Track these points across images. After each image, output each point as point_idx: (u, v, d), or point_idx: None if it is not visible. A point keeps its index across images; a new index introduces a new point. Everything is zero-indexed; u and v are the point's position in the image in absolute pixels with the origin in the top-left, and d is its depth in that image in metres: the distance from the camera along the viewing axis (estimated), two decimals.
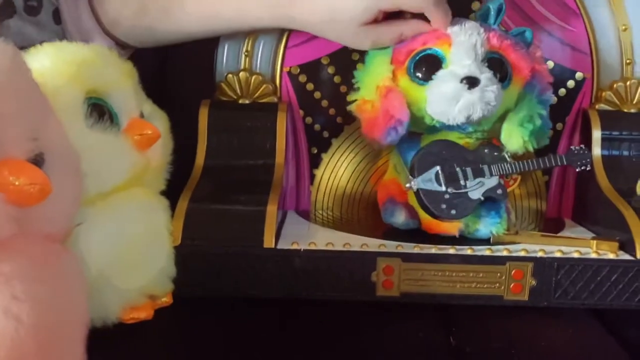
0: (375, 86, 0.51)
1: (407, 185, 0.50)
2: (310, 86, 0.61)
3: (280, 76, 0.60)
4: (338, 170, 0.62)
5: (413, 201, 0.51)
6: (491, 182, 0.50)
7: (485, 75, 0.48)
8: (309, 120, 0.62)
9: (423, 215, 0.51)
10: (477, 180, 0.50)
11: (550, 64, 0.60)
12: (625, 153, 0.57)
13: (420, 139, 0.52)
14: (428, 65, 0.50)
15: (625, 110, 0.59)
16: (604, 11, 0.59)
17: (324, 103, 0.61)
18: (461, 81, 0.48)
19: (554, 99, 0.54)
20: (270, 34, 0.59)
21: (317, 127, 0.62)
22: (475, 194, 0.50)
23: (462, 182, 0.50)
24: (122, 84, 0.46)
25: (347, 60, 0.59)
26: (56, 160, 0.35)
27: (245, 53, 0.60)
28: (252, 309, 0.48)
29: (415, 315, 0.48)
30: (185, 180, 0.55)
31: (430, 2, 0.49)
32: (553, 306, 0.49)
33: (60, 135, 0.37)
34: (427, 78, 0.50)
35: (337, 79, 0.61)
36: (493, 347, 0.43)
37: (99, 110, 0.43)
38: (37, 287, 0.30)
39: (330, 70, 0.61)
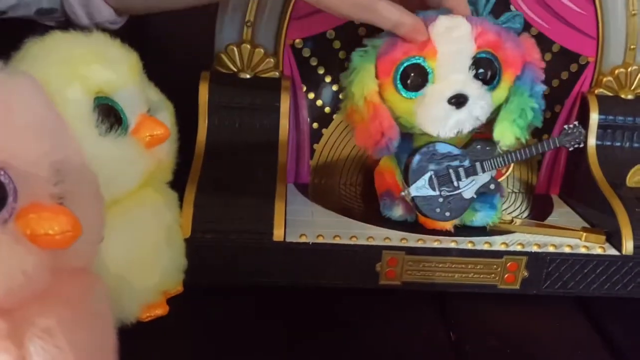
0: (362, 97, 0.49)
1: (402, 193, 0.51)
2: (314, 61, 0.59)
3: (282, 49, 0.58)
4: (338, 146, 0.62)
5: (409, 201, 0.52)
6: (484, 178, 0.51)
7: (474, 90, 0.47)
8: (311, 95, 0.60)
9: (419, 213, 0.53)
10: (470, 179, 0.50)
11: (557, 46, 0.59)
12: (618, 144, 0.59)
13: (413, 137, 0.52)
14: (414, 77, 0.48)
15: (622, 96, 0.60)
16: None
17: (327, 79, 0.60)
18: (449, 101, 0.47)
19: (547, 88, 0.51)
20: (275, 2, 0.56)
21: (319, 102, 0.61)
22: (469, 192, 0.50)
23: (455, 183, 0.50)
24: (129, 80, 0.43)
25: (353, 35, 0.57)
26: (79, 188, 0.34)
27: (248, 23, 0.57)
28: (257, 297, 0.50)
29: (414, 301, 0.52)
30: (184, 155, 0.54)
31: None
32: (541, 294, 0.53)
33: (79, 157, 0.36)
34: (414, 91, 0.48)
35: (342, 54, 0.59)
36: (488, 345, 0.47)
37: (105, 110, 0.42)
38: (77, 333, 0.31)
39: (336, 45, 0.58)
